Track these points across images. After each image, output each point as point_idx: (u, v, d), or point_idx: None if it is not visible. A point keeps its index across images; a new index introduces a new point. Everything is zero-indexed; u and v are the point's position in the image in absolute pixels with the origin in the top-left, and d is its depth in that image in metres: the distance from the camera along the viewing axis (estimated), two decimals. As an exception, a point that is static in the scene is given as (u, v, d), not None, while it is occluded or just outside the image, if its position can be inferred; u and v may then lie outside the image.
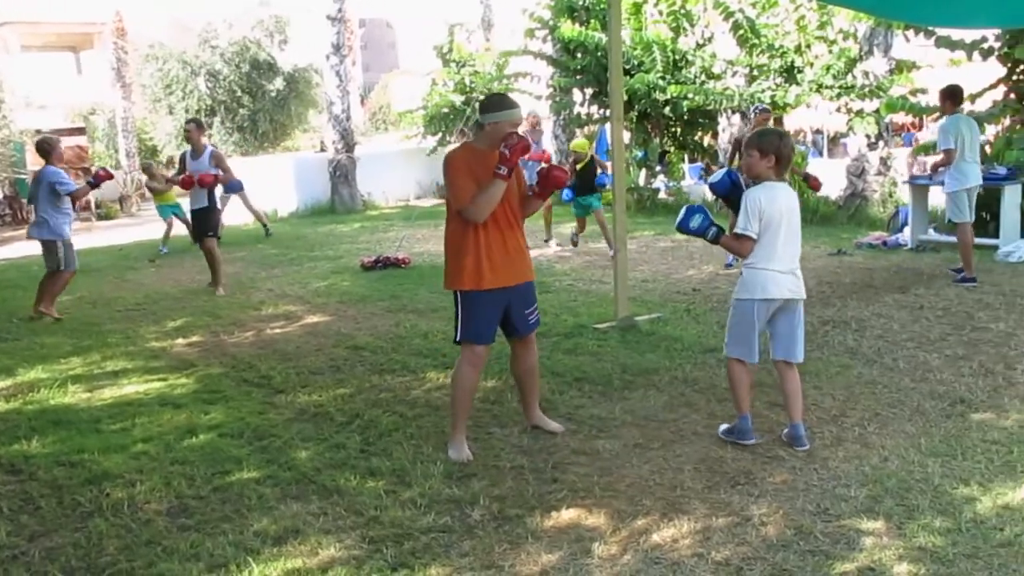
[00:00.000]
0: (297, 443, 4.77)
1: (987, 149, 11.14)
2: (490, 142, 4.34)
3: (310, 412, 5.31)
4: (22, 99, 23.75)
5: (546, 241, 12.29)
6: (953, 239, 9.54)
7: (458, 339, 4.39)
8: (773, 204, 4.22)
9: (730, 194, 4.54)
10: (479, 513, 3.78)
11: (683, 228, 4.44)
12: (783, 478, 3.97)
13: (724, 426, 4.56)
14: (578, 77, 18.02)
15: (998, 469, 3.96)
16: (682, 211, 4.48)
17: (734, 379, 4.48)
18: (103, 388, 6.05)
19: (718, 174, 4.66)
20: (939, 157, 8.50)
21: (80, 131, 25.02)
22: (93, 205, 22.51)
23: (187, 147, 9.74)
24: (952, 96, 8.46)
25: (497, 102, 4.42)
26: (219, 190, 11.70)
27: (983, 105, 11.18)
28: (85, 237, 16.23)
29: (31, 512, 4.05)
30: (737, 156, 10.10)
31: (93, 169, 9.61)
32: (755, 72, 15.75)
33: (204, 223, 9.57)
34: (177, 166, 10.07)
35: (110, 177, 8.88)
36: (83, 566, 3.49)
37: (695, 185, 18.68)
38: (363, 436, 4.83)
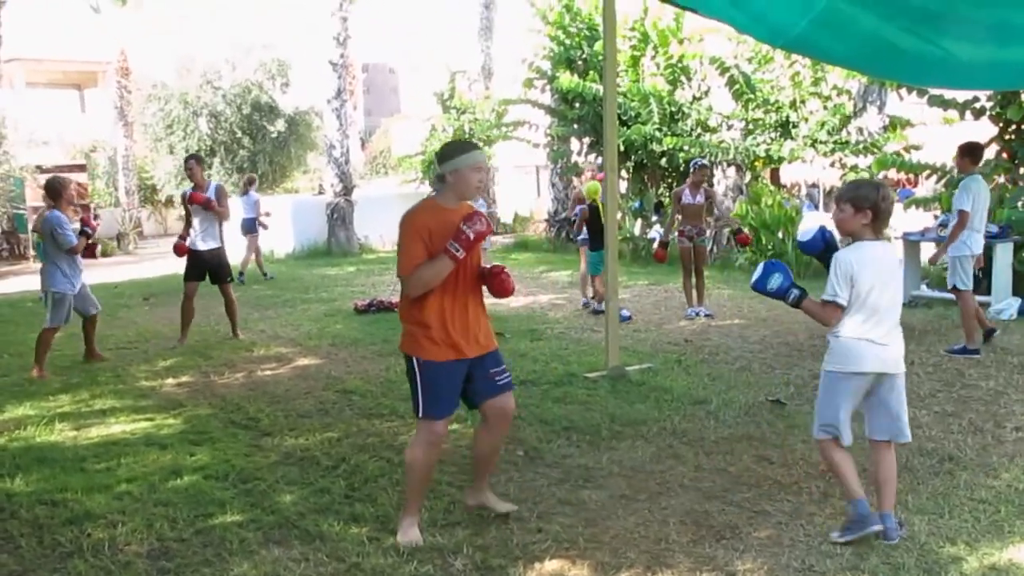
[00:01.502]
0: (282, 487, 4.74)
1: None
2: (456, 195, 3.92)
3: (296, 456, 5.28)
4: (25, 135, 23.89)
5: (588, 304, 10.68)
6: (945, 295, 9.59)
7: (420, 414, 3.97)
8: (866, 267, 3.76)
9: (824, 254, 4.05)
10: (462, 562, 3.75)
11: (760, 288, 3.94)
12: (768, 533, 3.95)
13: (835, 532, 3.87)
14: (575, 126, 18.24)
15: (985, 529, 3.94)
16: (759, 268, 3.99)
17: (834, 462, 3.90)
18: (90, 427, 6.02)
19: (809, 231, 4.15)
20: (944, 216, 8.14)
21: (81, 168, 25.10)
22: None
23: (188, 185, 9.43)
24: (971, 153, 7.84)
25: (455, 148, 3.98)
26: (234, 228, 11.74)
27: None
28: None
29: (10, 551, 4.01)
30: (678, 214, 10.14)
31: (78, 218, 8.98)
32: (750, 126, 15.95)
33: (221, 266, 9.18)
34: (180, 206, 9.93)
35: (92, 225, 8.33)
36: (60, 608, 3.46)
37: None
38: (348, 481, 4.80)
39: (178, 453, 5.36)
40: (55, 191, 7.84)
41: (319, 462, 5.13)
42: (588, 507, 4.34)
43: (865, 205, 3.77)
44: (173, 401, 6.69)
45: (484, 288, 4.08)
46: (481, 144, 22.23)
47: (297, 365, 7.97)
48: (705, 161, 11.22)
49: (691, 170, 10.32)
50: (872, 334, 3.79)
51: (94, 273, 17.12)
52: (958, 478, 4.61)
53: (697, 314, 9.89)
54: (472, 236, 3.74)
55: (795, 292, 3.87)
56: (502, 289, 4.06)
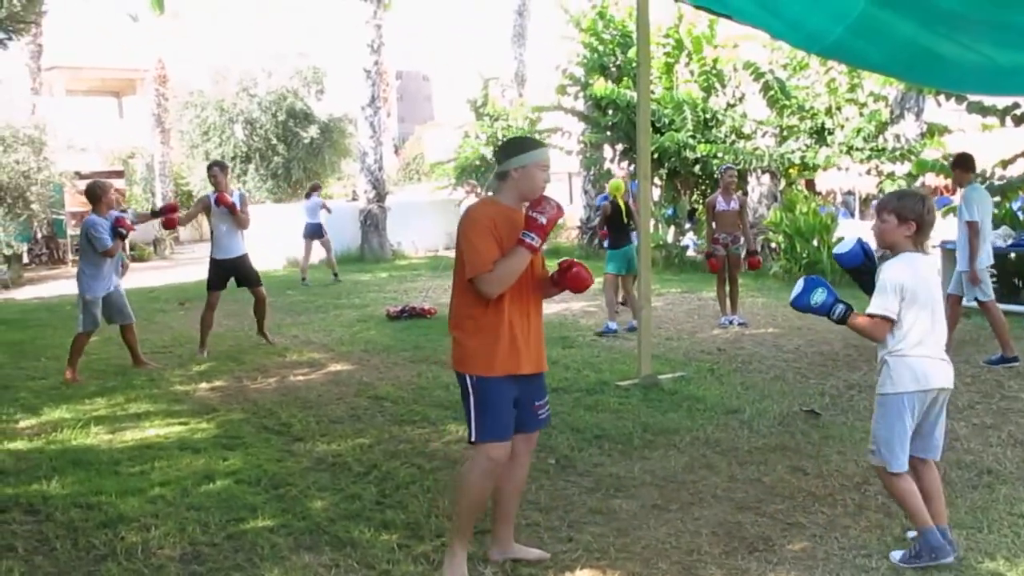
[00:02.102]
0: (313, 492, 4.76)
1: (1020, 215, 11.06)
2: (519, 195, 3.61)
3: (328, 461, 5.30)
4: (64, 142, 24.28)
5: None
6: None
7: (476, 439, 3.58)
8: (920, 280, 3.64)
9: (863, 268, 3.90)
10: (491, 571, 3.74)
11: (801, 306, 3.78)
12: (802, 546, 3.89)
13: (898, 553, 3.74)
14: (608, 133, 18.20)
15: (1025, 544, 3.86)
16: (799, 284, 3.82)
17: (900, 492, 3.70)
18: (125, 430, 6.09)
19: (847, 243, 3.97)
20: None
21: (119, 174, 25.46)
22: (127, 247, 22.86)
23: (211, 192, 9.15)
24: (964, 164, 7.93)
25: (522, 143, 3.71)
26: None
27: (1016, 171, 11.11)
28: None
29: (46, 553, 4.06)
30: (713, 222, 10.07)
31: (131, 212, 8.99)
32: (785, 133, 15.82)
33: (248, 272, 9.10)
34: (192, 207, 9.79)
35: (127, 225, 8.26)
36: (93, 610, 3.48)
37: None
38: (379, 488, 4.81)
39: (211, 457, 5.40)
40: (94, 195, 7.96)
41: (350, 468, 5.14)
42: (619, 517, 4.31)
43: (910, 216, 3.65)
44: (207, 406, 6.75)
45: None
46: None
47: (329, 371, 8.00)
48: (733, 165, 11.12)
49: (719, 175, 10.32)
50: (935, 350, 3.68)
51: (131, 278, 17.33)
52: (997, 492, 4.51)
53: (731, 322, 9.82)
54: (545, 222, 3.48)
55: (840, 307, 3.72)
56: (578, 282, 3.76)
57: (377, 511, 4.46)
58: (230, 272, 9.02)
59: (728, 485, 4.71)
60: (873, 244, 3.96)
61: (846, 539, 3.96)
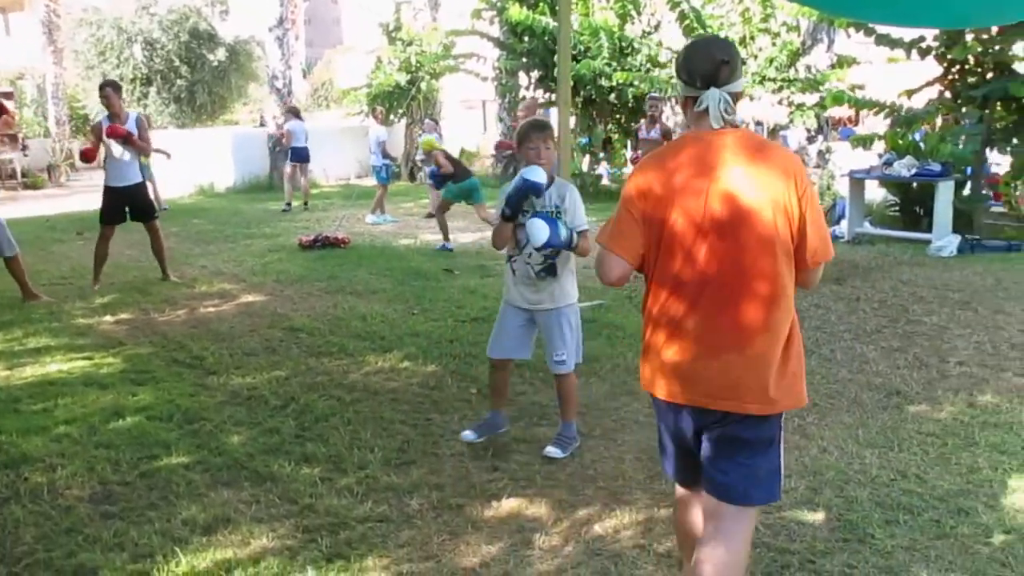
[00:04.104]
0: (229, 427, 4.62)
1: (922, 146, 11.36)
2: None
3: (243, 395, 5.15)
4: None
5: None
6: (888, 232, 9.90)
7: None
8: None
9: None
10: (418, 502, 3.69)
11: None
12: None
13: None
14: (524, 60, 17.91)
15: (933, 461, 4.00)
16: (542, 225, 3.74)
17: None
18: (24, 366, 5.79)
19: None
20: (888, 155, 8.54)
21: (8, 95, 24.07)
22: (19, 174, 21.74)
23: (103, 115, 8.51)
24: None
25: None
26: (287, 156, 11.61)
27: (919, 101, 11.39)
28: (10, 207, 15.65)
29: (-58, 496, 3.84)
30: (637, 150, 10.58)
31: (21, 136, 8.42)
32: (700, 61, 15.84)
33: (145, 203, 8.63)
34: (90, 135, 9.24)
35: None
36: (-3, 555, 3.32)
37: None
38: (298, 421, 4.70)
39: (119, 393, 5.18)
40: None
41: (267, 401, 5.01)
42: (544, 445, 4.29)
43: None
44: (112, 339, 6.47)
45: None
46: (427, 77, 21.84)
47: (241, 302, 7.76)
48: (659, 95, 11.17)
49: (646, 109, 10.52)
50: None
51: (24, 206, 16.55)
52: (905, 412, 4.67)
53: None
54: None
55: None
56: None
57: (297, 444, 4.36)
58: (126, 201, 8.44)
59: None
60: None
61: (765, 462, 4.03)
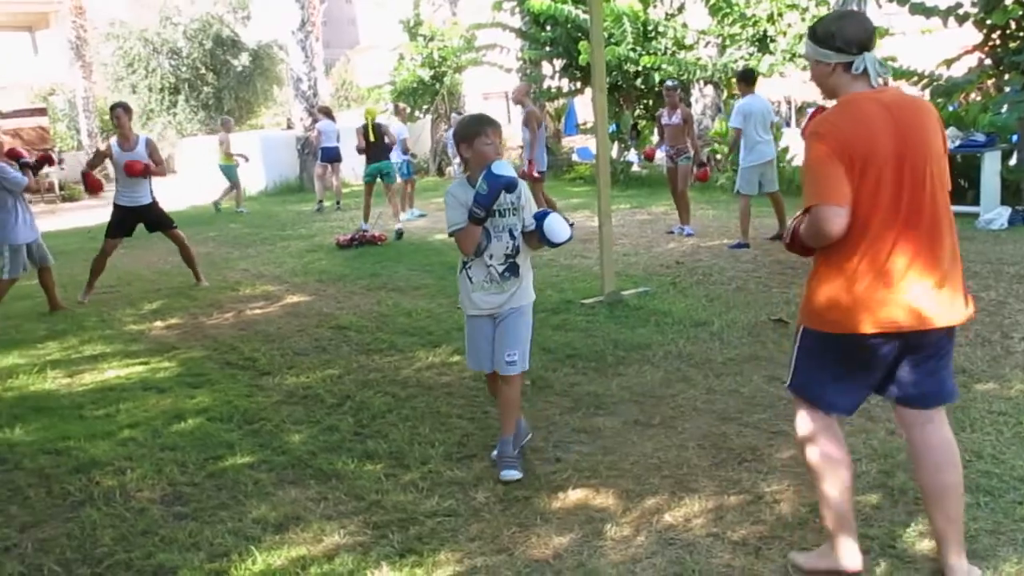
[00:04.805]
0: (289, 426, 4.66)
1: (962, 115, 11.17)
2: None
3: (299, 394, 5.19)
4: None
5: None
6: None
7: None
8: None
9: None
10: (483, 495, 3.70)
11: (570, 238, 3.86)
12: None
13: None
14: (547, 49, 17.87)
15: (1009, 441, 3.92)
16: (560, 221, 3.79)
17: None
18: (83, 373, 5.88)
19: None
20: None
21: (42, 112, 24.36)
22: (57, 187, 22.03)
23: (112, 139, 8.49)
24: (745, 79, 9.62)
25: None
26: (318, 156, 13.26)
27: (959, 71, 11.18)
28: (51, 220, 15.88)
29: (20, 502, 3.90)
30: (660, 135, 10.56)
31: (56, 151, 8.35)
32: (727, 42, 15.71)
33: (160, 216, 8.61)
34: (91, 157, 8.98)
35: (25, 155, 7.74)
36: (79, 558, 3.37)
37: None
38: (356, 418, 4.72)
39: (177, 396, 5.25)
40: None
41: (323, 400, 5.05)
42: (604, 435, 4.29)
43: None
44: (164, 344, 6.55)
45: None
46: (451, 71, 21.84)
47: (286, 303, 7.83)
48: (673, 82, 11.11)
49: (664, 92, 10.54)
50: None
51: (64, 219, 16.77)
52: (974, 391, 4.58)
53: (681, 231, 10.06)
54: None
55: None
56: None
57: (357, 442, 4.38)
58: (136, 219, 8.46)
59: (707, 397, 4.73)
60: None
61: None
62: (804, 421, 2.89)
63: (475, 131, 3.71)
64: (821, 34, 2.77)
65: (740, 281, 7.49)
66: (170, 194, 20.85)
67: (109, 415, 4.98)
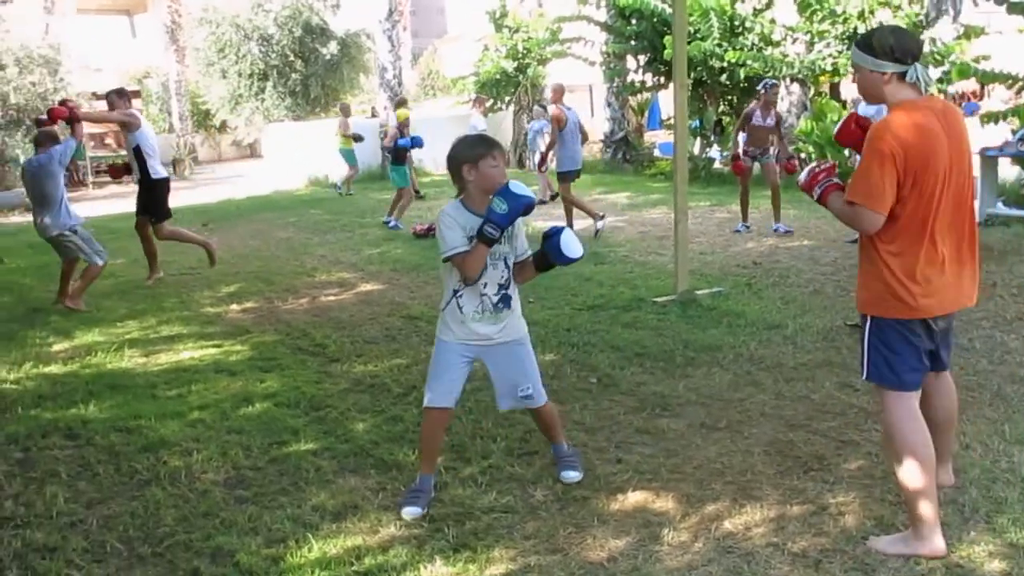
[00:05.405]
0: (354, 414, 4.70)
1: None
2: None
3: (366, 383, 5.23)
4: (78, 62, 23.92)
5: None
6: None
7: None
8: None
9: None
10: (542, 493, 3.67)
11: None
12: (859, 464, 3.79)
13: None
14: (632, 43, 17.67)
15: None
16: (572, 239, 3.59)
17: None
18: (159, 353, 6.04)
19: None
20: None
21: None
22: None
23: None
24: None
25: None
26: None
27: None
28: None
29: (88, 478, 4.03)
30: (743, 132, 10.20)
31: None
32: (815, 38, 15.30)
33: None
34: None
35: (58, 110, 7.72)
36: (140, 536, 3.45)
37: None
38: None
39: (248, 380, 5.34)
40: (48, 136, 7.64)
41: (389, 389, 5.08)
42: (667, 436, 4.22)
43: None
44: (239, 327, 6.69)
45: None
46: (534, 64, 21.81)
47: (360, 290, 7.91)
48: (772, 81, 10.81)
49: (762, 91, 10.12)
50: None
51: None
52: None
53: (747, 228, 10.13)
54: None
55: None
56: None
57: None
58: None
59: (776, 403, 4.60)
60: None
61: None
62: (890, 408, 3.11)
63: (481, 152, 3.48)
64: (878, 46, 3.00)
65: (818, 284, 7.29)
66: (255, 178, 21.39)
67: (180, 395, 5.10)
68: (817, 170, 3.25)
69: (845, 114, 3.93)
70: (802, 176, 3.31)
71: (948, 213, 2.97)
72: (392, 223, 11.92)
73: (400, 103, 16.58)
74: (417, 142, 12.59)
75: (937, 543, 3.01)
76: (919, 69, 2.96)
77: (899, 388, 3.09)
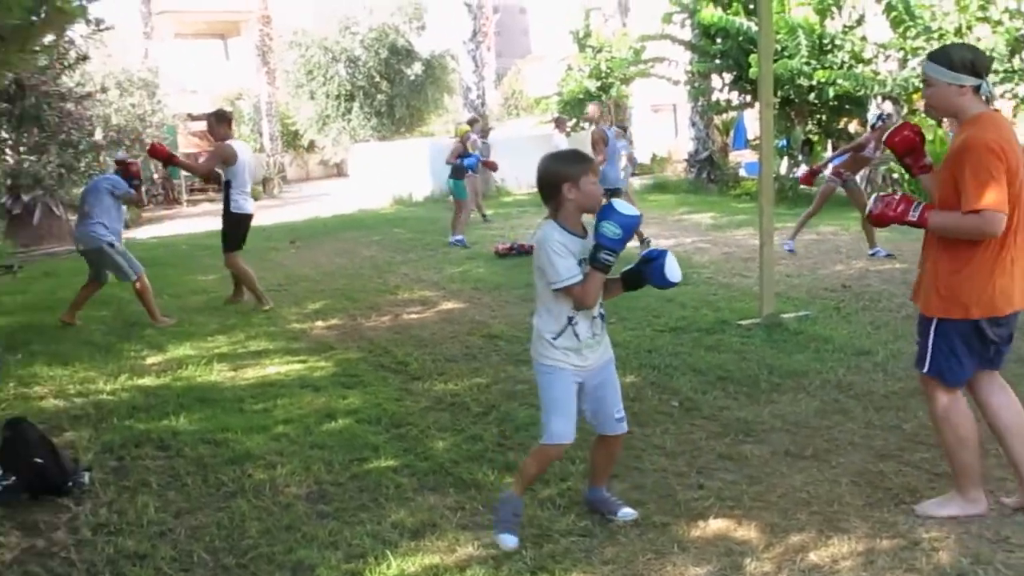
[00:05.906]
0: (434, 432, 4.73)
1: None
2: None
3: (446, 401, 5.26)
4: (175, 84, 24.83)
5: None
6: None
7: None
8: None
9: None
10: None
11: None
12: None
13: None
14: (717, 62, 17.49)
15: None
16: (674, 263, 3.42)
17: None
18: (246, 368, 6.19)
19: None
20: None
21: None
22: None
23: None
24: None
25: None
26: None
27: None
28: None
29: (178, 488, 4.14)
30: (845, 155, 10.01)
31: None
32: (909, 56, 14.92)
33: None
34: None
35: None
36: (226, 547, 3.52)
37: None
38: (500, 428, 4.74)
39: (331, 396, 5.43)
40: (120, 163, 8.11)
41: (469, 408, 5.10)
42: (751, 463, 4.13)
43: None
44: (323, 344, 6.81)
45: None
46: (617, 83, 21.77)
47: (441, 309, 7.98)
48: (892, 113, 10.59)
49: (879, 123, 9.87)
50: None
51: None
52: None
53: (875, 253, 9.73)
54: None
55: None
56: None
57: (499, 453, 4.40)
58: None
59: (865, 432, 4.47)
60: None
61: (1002, 492, 3.67)
62: (942, 400, 3.43)
63: (582, 169, 3.27)
64: (958, 60, 3.24)
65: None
66: (341, 197, 21.83)
67: (266, 410, 5.21)
68: (895, 199, 3.42)
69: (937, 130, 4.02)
70: (875, 207, 3.46)
71: (1019, 214, 3.24)
72: (455, 239, 12.05)
73: (471, 121, 16.62)
74: (471, 165, 12.68)
75: (982, 505, 3.46)
76: (989, 83, 3.27)
77: (953, 386, 3.40)
